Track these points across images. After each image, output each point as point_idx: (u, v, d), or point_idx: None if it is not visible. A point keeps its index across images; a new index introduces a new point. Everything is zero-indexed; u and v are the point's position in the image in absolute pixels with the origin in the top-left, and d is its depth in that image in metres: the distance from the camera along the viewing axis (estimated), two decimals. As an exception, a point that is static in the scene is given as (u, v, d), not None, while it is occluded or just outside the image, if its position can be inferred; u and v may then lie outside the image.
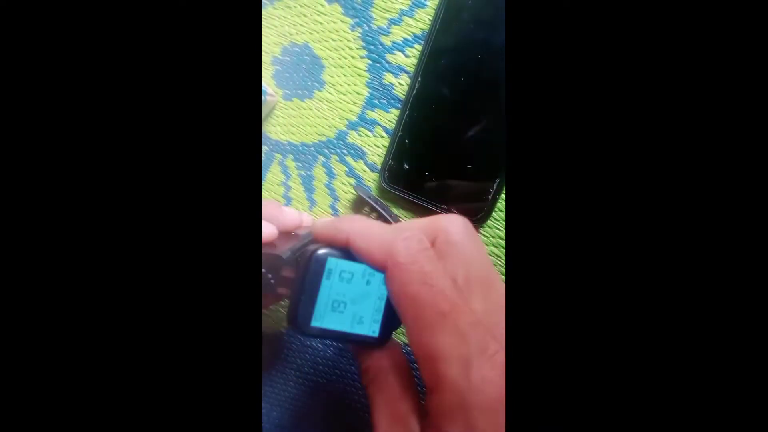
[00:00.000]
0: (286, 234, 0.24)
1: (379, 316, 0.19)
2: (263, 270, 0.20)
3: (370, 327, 0.19)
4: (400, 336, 0.31)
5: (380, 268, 0.18)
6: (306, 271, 0.19)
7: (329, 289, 0.19)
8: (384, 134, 0.32)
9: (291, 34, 0.34)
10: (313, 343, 0.34)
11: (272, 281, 0.20)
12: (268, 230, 0.22)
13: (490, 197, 0.29)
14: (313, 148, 0.34)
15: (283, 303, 0.35)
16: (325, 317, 0.19)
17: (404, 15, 0.31)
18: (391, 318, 0.19)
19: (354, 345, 0.20)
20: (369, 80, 0.32)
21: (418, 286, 0.17)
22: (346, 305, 0.19)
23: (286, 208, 0.25)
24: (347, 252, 0.19)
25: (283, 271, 0.20)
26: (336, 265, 0.19)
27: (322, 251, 0.19)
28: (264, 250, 0.21)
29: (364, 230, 0.19)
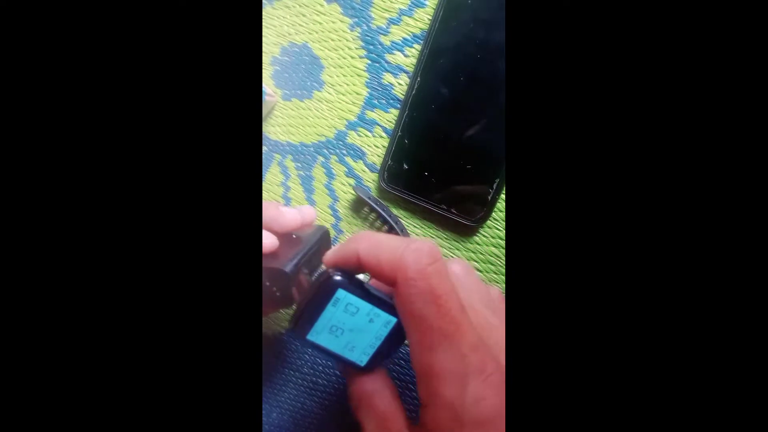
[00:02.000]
0: (287, 236, 0.24)
1: (371, 351, 0.20)
2: (267, 284, 0.20)
3: (359, 356, 0.20)
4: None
5: (390, 282, 0.18)
6: (316, 290, 0.19)
7: (332, 314, 0.19)
8: (383, 134, 0.32)
9: (290, 34, 0.34)
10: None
11: (277, 294, 0.20)
12: (269, 241, 0.22)
13: (489, 197, 0.29)
14: (312, 149, 0.34)
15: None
16: (321, 335, 0.20)
17: (403, 15, 0.31)
18: (381, 354, 0.20)
19: (340, 365, 0.21)
20: (368, 80, 0.32)
21: (425, 306, 0.17)
22: (344, 332, 0.20)
23: (285, 208, 0.24)
24: (362, 287, 0.20)
25: (289, 286, 0.21)
26: (344, 297, 0.19)
27: (335, 278, 0.19)
28: (267, 264, 0.21)
29: (373, 245, 0.18)
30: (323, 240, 0.25)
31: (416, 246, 0.17)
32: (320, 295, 0.19)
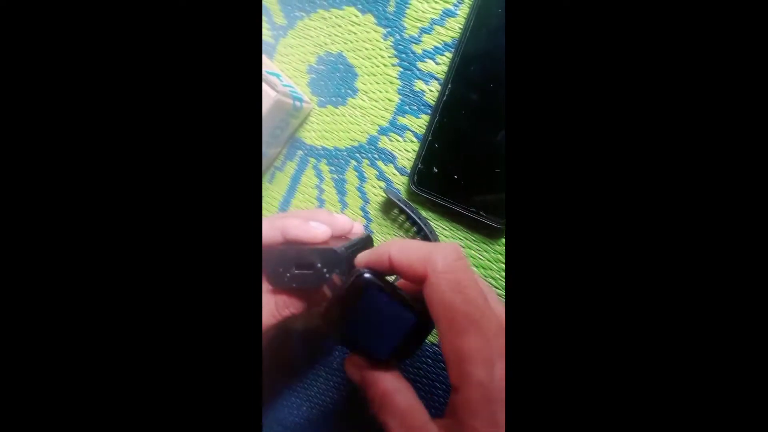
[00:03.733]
0: (338, 237, 0.26)
1: (392, 345, 0.21)
2: (319, 265, 0.22)
3: (382, 350, 0.21)
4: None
5: (420, 278, 0.19)
6: (350, 288, 0.21)
7: (361, 310, 0.21)
8: (414, 139, 0.33)
9: (326, 44, 0.36)
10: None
11: (327, 275, 0.22)
12: (323, 230, 0.23)
13: (518, 201, 0.30)
14: (345, 153, 0.36)
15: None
16: (349, 330, 0.21)
17: (435, 24, 0.32)
18: (400, 349, 0.21)
19: (364, 356, 0.22)
20: (400, 87, 0.34)
21: (454, 295, 0.18)
22: (370, 327, 0.21)
23: (338, 215, 0.26)
24: (390, 285, 0.21)
25: (340, 267, 0.22)
26: (374, 294, 0.21)
27: (367, 276, 0.21)
28: (320, 246, 0.23)
29: (404, 247, 0.20)
30: (367, 242, 0.26)
31: (443, 245, 0.20)
32: (353, 292, 0.21)
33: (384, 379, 0.21)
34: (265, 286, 0.24)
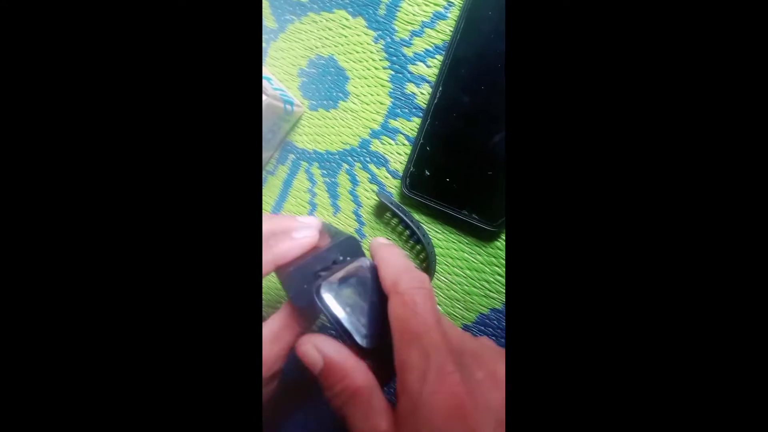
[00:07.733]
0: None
1: (376, 331, 0.22)
2: (341, 257, 0.24)
3: (365, 333, 0.22)
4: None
5: (387, 292, 0.21)
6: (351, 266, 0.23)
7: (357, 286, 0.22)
8: (406, 142, 0.33)
9: (317, 47, 0.36)
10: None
11: (348, 259, 0.24)
12: (310, 235, 0.24)
13: (510, 203, 0.30)
14: (337, 156, 0.35)
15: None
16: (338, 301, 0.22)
17: (426, 27, 0.32)
18: (378, 340, 0.22)
19: (343, 339, 0.22)
20: (391, 90, 0.33)
21: (406, 311, 0.20)
22: (354, 308, 0.22)
23: (301, 218, 0.26)
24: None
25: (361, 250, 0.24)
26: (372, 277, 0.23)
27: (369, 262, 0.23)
28: (332, 242, 0.24)
29: (386, 259, 0.22)
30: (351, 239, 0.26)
31: (414, 272, 0.21)
32: (354, 269, 0.23)
33: (357, 373, 0.20)
34: (281, 320, 0.23)
